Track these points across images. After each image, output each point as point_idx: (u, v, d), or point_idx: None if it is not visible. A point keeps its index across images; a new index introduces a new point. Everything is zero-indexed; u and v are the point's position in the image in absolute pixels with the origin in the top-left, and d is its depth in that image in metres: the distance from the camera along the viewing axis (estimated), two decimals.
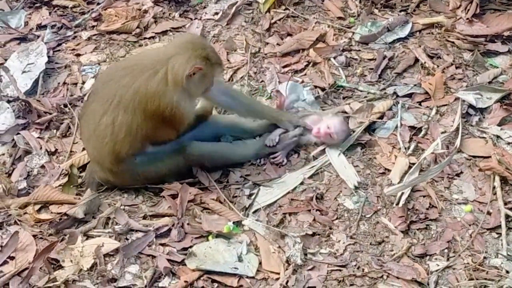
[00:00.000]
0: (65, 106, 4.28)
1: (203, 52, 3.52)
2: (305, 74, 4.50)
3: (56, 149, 4.05)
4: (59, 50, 4.79)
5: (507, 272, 3.26)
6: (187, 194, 3.60)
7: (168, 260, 3.34)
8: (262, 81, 4.43)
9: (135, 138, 3.55)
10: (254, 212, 3.61)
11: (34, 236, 3.46)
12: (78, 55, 4.74)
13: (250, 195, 3.68)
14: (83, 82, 4.47)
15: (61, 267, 3.32)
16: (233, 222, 3.49)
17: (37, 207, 3.63)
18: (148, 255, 3.39)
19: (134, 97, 3.47)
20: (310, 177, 3.80)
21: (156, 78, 3.47)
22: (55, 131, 4.15)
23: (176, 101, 3.50)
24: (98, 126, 3.53)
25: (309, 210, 3.61)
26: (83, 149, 3.95)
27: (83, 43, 4.84)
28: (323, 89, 4.34)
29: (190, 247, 3.41)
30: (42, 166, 3.93)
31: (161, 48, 3.82)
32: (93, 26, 4.98)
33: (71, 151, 4.02)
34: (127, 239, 3.46)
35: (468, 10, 4.83)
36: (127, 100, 3.48)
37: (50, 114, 4.23)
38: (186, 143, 3.73)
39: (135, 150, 3.60)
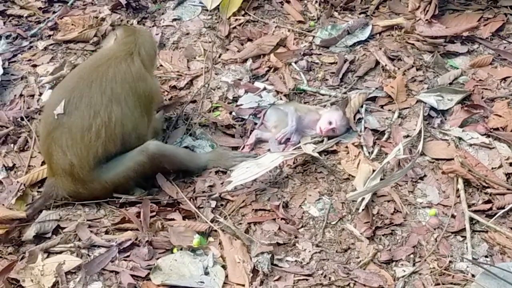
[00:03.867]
0: (22, 119, 4.17)
1: (148, 32, 4.35)
2: (267, 80, 4.47)
3: (14, 164, 3.94)
4: (14, 61, 4.68)
5: (473, 276, 3.26)
6: (148, 208, 3.54)
7: (132, 275, 3.27)
8: (219, 87, 4.39)
9: (124, 133, 3.63)
10: (219, 222, 3.57)
11: None
12: (34, 65, 4.62)
13: (216, 207, 3.64)
14: (40, 94, 4.35)
15: (21, 287, 3.23)
16: (199, 233, 3.44)
17: None
18: (112, 271, 3.31)
19: (124, 85, 3.63)
20: (274, 184, 3.78)
21: (135, 63, 3.71)
22: (12, 145, 4.04)
23: (154, 80, 3.89)
24: (89, 131, 3.52)
25: (274, 219, 3.57)
26: (42, 163, 3.86)
27: (39, 53, 4.73)
28: (285, 94, 4.33)
29: (157, 259, 3.34)
30: (0, 182, 3.83)
31: (118, 41, 3.87)
32: (50, 36, 4.87)
33: (29, 166, 3.91)
34: (89, 255, 3.38)
35: (427, 11, 4.85)
36: (119, 91, 3.60)
37: (7, 128, 4.12)
38: (148, 143, 3.73)
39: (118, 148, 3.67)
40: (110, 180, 3.65)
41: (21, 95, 4.39)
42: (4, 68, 4.53)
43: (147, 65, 3.80)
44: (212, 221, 3.55)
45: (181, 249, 3.39)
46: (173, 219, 3.57)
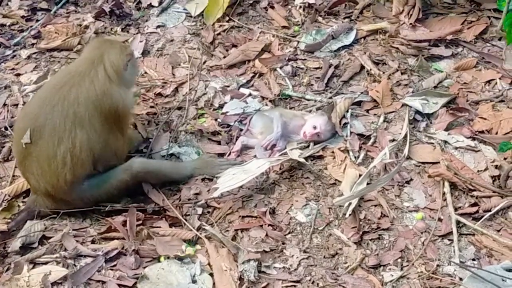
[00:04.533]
0: (6, 128, 4.14)
1: (124, 44, 3.99)
2: (252, 86, 4.46)
3: None
4: None
5: (461, 279, 3.26)
6: (134, 217, 3.52)
7: (119, 285, 3.25)
8: (205, 94, 4.37)
9: (93, 155, 3.54)
10: (205, 229, 3.55)
11: None
12: (18, 74, 4.60)
13: (202, 214, 3.62)
14: (24, 103, 4.31)
15: None
16: (185, 241, 3.43)
17: None
18: (98, 281, 3.28)
19: (87, 105, 3.49)
20: (261, 190, 3.76)
21: (99, 78, 3.56)
22: None
23: (122, 95, 3.62)
24: (54, 159, 3.45)
25: (261, 226, 3.56)
26: None
27: (22, 62, 4.71)
28: (270, 100, 4.32)
29: (144, 268, 3.32)
30: None
31: (83, 55, 3.78)
32: (33, 44, 4.85)
33: (13, 176, 3.88)
34: (75, 265, 3.35)
35: (411, 15, 4.87)
36: (82, 113, 3.47)
37: None
38: (132, 160, 3.70)
39: (88, 170, 3.58)
40: (92, 197, 3.62)
41: (4, 104, 4.36)
42: None
43: (113, 78, 3.60)
44: (198, 228, 3.53)
45: (168, 258, 3.37)
46: (160, 227, 3.55)
